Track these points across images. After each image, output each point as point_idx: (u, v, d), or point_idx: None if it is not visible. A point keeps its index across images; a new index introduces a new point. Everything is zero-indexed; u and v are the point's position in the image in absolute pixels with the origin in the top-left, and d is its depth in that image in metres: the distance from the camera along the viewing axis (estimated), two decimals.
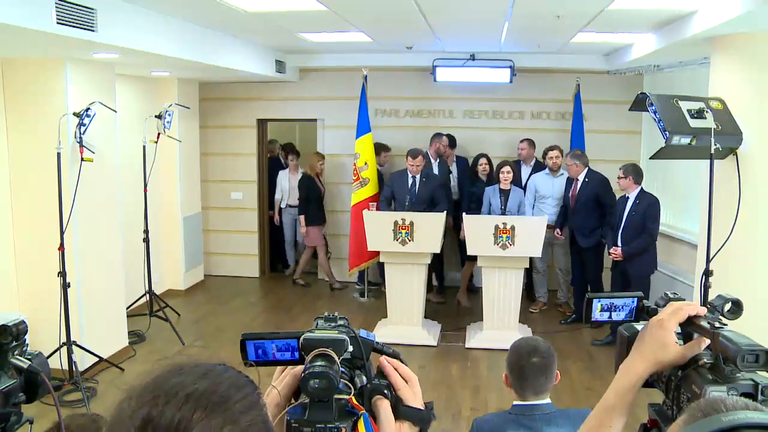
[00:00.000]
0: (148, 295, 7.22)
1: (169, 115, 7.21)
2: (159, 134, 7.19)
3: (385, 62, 8.69)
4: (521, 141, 8.42)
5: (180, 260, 8.78)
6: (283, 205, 9.42)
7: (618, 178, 6.83)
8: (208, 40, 6.53)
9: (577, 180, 7.50)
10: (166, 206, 8.57)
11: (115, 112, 6.26)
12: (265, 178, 9.76)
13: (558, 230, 7.70)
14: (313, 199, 8.75)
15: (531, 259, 7.67)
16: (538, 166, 8.22)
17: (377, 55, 8.55)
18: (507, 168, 7.37)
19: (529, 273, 8.23)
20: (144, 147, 7.13)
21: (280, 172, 9.45)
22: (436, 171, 8.30)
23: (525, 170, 8.37)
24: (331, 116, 9.36)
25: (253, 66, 7.72)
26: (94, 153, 5.76)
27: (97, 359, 6.04)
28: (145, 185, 7.15)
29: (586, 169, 7.48)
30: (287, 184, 9.33)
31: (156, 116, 7.16)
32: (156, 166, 7.27)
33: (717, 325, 1.26)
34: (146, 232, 7.16)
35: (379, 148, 8.54)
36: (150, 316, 7.15)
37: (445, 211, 7.10)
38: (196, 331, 7.41)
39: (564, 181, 7.75)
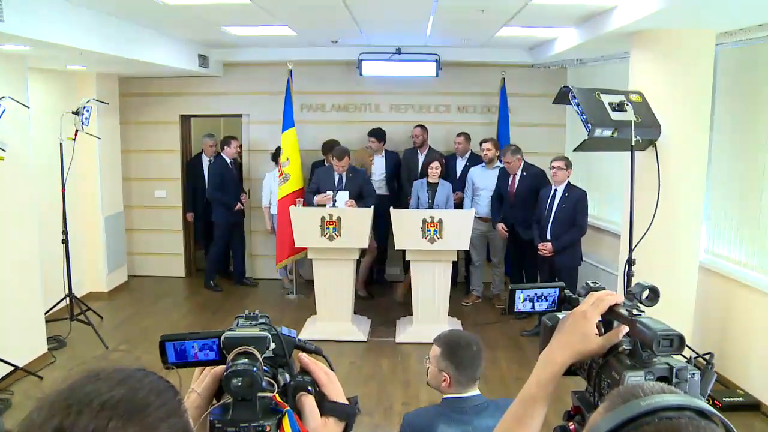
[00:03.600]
0: (68, 299, 6.98)
1: (87, 111, 6.96)
2: (77, 131, 6.93)
3: (311, 56, 8.65)
4: (458, 135, 8.49)
5: (102, 261, 8.53)
6: (273, 211, 8.65)
7: (557, 169, 6.87)
8: (128, 34, 6.34)
9: (515, 175, 7.62)
10: (86, 206, 8.31)
11: (28, 107, 6.01)
12: (185, 176, 9.55)
13: (502, 225, 7.72)
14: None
15: (468, 252, 7.77)
16: (474, 159, 8.30)
17: (302, 49, 8.51)
18: (435, 163, 7.44)
19: (467, 266, 8.33)
20: (61, 144, 6.87)
21: (268, 174, 8.85)
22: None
23: (460, 163, 8.47)
24: (256, 111, 9.26)
25: (175, 60, 7.55)
26: (5, 151, 5.52)
27: (12, 368, 5.81)
28: (63, 184, 6.90)
29: (522, 162, 7.62)
30: (276, 186, 8.47)
31: (73, 112, 6.90)
32: (74, 164, 7.01)
33: (635, 312, 1.29)
34: (65, 232, 6.91)
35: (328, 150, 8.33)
36: (71, 320, 6.90)
37: (372, 206, 7.12)
38: (121, 335, 7.22)
39: (497, 173, 7.85)
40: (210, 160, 9.08)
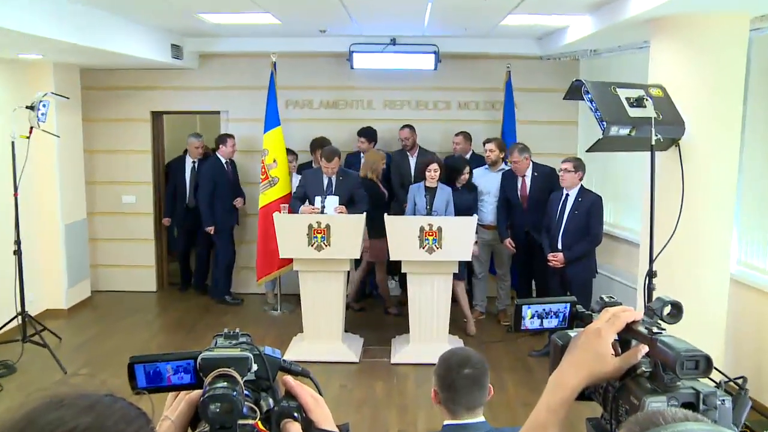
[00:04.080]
0: (20, 318, 6.89)
1: (44, 105, 6.90)
2: (32, 128, 6.89)
3: (297, 47, 8.65)
4: (456, 134, 8.53)
5: (61, 275, 8.49)
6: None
7: (564, 171, 6.84)
8: (91, 20, 6.32)
9: (524, 176, 7.62)
10: (43, 213, 8.27)
11: None
12: (162, 179, 9.58)
13: (509, 241, 7.70)
14: (380, 206, 7.96)
15: (470, 264, 7.75)
16: (476, 161, 8.29)
17: (287, 39, 8.51)
18: (434, 165, 7.43)
19: (469, 279, 8.33)
20: (13, 143, 6.81)
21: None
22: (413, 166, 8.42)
23: None
24: (235, 108, 9.26)
25: (144, 51, 7.54)
26: None
27: None
28: (15, 188, 6.84)
29: (531, 163, 7.63)
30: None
31: (27, 107, 6.82)
32: (29, 165, 6.95)
33: (655, 330, 1.28)
34: (18, 243, 6.82)
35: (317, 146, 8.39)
36: (23, 342, 6.79)
37: (365, 213, 7.11)
38: (82, 357, 7.18)
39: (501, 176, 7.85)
40: (194, 162, 9.05)
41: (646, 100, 4.82)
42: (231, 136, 8.83)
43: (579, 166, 6.85)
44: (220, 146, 8.75)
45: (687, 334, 1.27)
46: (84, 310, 8.79)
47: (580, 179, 6.86)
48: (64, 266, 8.50)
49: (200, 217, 8.77)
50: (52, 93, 7.27)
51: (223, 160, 8.74)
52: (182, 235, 9.35)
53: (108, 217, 9.44)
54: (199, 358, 1.19)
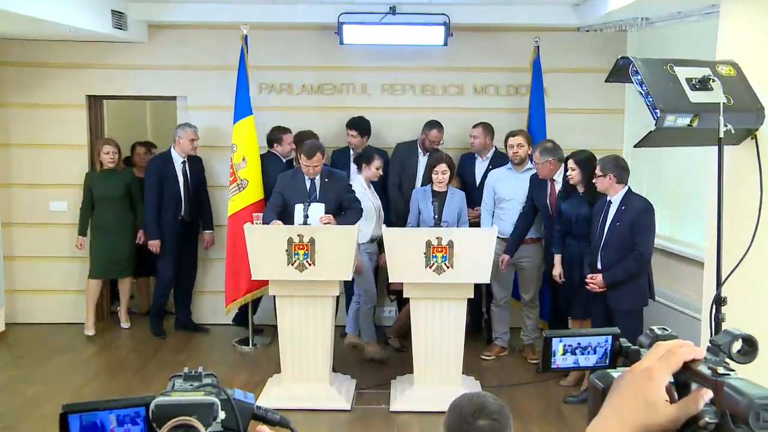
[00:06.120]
0: None
1: None
2: None
3: (273, 17, 8.67)
4: (474, 126, 8.55)
5: None
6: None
7: (594, 177, 6.86)
8: None
9: (554, 181, 7.63)
10: None
11: None
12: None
13: (559, 272, 7.48)
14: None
15: (488, 287, 7.72)
16: (500, 159, 8.32)
17: (261, 6, 8.56)
18: (442, 165, 7.43)
19: (488, 306, 8.33)
20: None
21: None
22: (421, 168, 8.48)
23: (480, 165, 8.53)
24: (196, 93, 9.27)
25: (77, 18, 7.47)
26: None
27: None
28: None
29: (563, 164, 7.60)
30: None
31: None
32: None
33: (721, 371, 1.28)
34: None
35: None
36: None
37: (358, 223, 7.09)
38: None
39: (528, 178, 7.87)
40: (184, 162, 8.88)
41: (713, 81, 4.79)
42: (288, 131, 8.71)
43: (606, 167, 6.74)
44: (274, 144, 8.71)
45: (762, 376, 1.26)
46: None
47: (617, 182, 6.71)
48: None
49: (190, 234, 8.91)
50: None
51: (180, 158, 8.74)
52: (171, 258, 8.99)
53: (30, 229, 9.40)
54: (152, 405, 1.19)
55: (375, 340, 8.18)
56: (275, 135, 8.72)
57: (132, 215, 9.09)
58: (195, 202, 8.93)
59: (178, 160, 8.83)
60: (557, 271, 7.40)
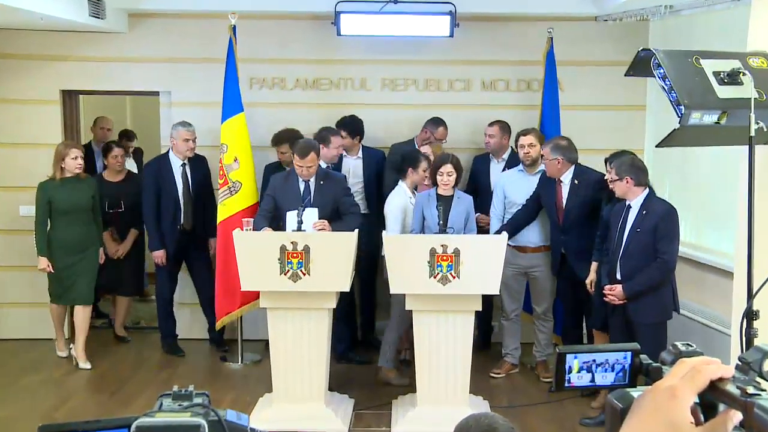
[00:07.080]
0: None
1: None
2: None
3: (264, 6, 8.73)
4: (490, 125, 8.54)
5: None
6: None
7: (608, 180, 6.89)
8: None
9: (561, 182, 7.63)
10: None
11: None
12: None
13: (592, 279, 7.38)
14: None
15: (494, 299, 7.72)
16: (516, 160, 8.30)
17: None
18: (447, 167, 7.41)
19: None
20: None
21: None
22: None
23: (496, 167, 8.53)
24: (180, 88, 9.27)
25: (51, 5, 7.48)
26: None
27: None
28: None
29: (573, 166, 7.61)
30: None
31: None
32: None
33: (751, 391, 1.27)
34: None
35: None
36: None
37: (357, 229, 7.09)
38: None
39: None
40: (184, 164, 8.80)
41: (743, 74, 4.78)
42: (337, 133, 8.48)
43: (622, 169, 6.75)
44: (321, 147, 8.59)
45: None
46: None
47: (635, 185, 6.71)
48: None
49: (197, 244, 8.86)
50: None
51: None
52: (170, 273, 8.98)
53: None
54: (133, 427, 1.19)
55: (394, 367, 8.18)
56: (322, 136, 8.27)
57: (97, 230, 8.73)
58: (197, 207, 8.82)
59: (176, 163, 8.76)
60: (591, 278, 7.35)
